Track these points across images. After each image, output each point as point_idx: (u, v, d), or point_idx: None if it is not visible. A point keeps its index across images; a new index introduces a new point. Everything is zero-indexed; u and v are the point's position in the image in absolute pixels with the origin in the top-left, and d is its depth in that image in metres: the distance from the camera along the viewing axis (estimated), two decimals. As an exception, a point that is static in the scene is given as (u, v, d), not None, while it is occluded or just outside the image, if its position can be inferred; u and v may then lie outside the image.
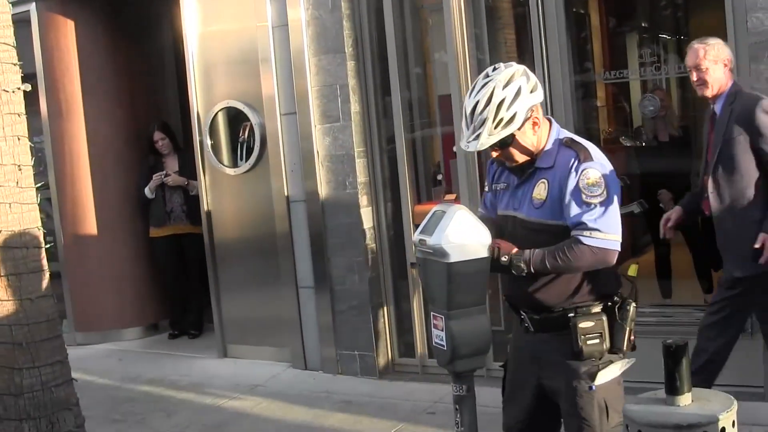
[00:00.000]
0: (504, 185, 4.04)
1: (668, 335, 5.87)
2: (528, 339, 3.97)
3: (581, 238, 3.67)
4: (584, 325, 3.75)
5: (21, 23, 9.05)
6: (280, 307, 7.97)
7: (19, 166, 5.20)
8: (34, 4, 9.20)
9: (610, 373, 3.77)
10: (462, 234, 3.43)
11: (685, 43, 9.77)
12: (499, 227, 4.01)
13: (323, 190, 7.50)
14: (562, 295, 3.82)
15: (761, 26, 5.82)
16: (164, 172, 9.15)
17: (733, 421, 3.07)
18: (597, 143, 8.36)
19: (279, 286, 7.95)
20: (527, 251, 3.74)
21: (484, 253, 3.49)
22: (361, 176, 7.39)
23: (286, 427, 6.70)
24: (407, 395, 7.05)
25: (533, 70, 6.64)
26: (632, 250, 8.54)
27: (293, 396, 7.27)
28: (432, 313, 3.50)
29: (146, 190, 9.20)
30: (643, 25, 9.58)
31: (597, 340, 3.76)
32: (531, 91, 3.73)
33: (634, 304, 3.84)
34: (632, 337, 3.83)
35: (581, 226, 3.68)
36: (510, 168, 3.95)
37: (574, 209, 3.70)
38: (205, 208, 8.46)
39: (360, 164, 7.38)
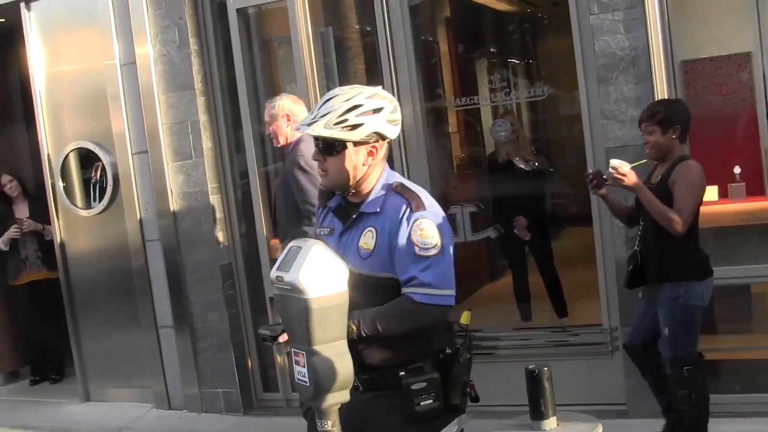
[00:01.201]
0: (328, 230, 3.76)
1: (528, 358, 6.06)
2: (357, 397, 3.56)
3: (413, 296, 3.41)
4: (417, 386, 3.48)
5: None
6: (141, 348, 7.88)
7: None
8: None
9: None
10: (319, 269, 3.39)
11: (535, 67, 10.07)
12: None
13: (179, 227, 7.47)
14: (390, 352, 3.54)
15: (608, 48, 5.98)
16: (19, 223, 8.95)
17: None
18: (451, 169, 8.61)
19: (139, 327, 7.88)
20: (356, 312, 3.44)
21: (342, 288, 3.47)
22: (217, 212, 7.39)
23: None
24: (273, 430, 7.07)
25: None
26: (491, 274, 8.73)
27: (159, 436, 7.20)
28: (293, 349, 3.48)
29: (0, 243, 8.99)
30: (492, 50, 9.74)
31: (431, 401, 3.49)
32: (389, 121, 3.50)
33: (467, 355, 3.61)
34: (468, 390, 3.59)
35: (413, 281, 3.42)
36: (335, 211, 3.70)
37: (406, 264, 3.45)
38: (60, 251, 8.32)
39: (215, 200, 7.38)
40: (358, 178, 3.55)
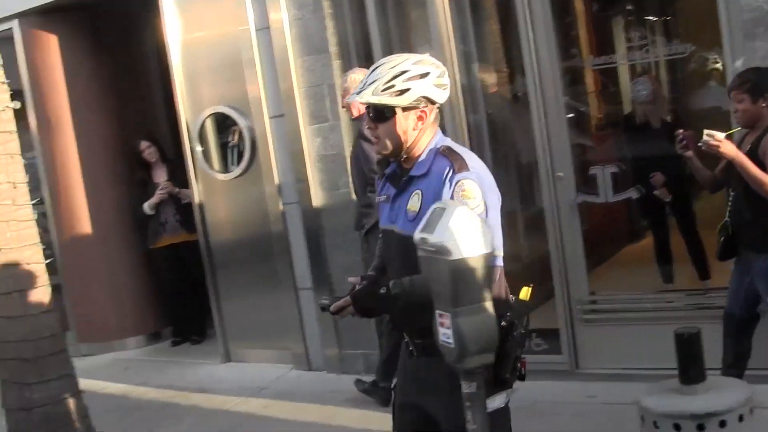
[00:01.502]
0: (384, 197, 3.79)
1: (670, 321, 5.96)
2: (412, 363, 3.76)
3: None
4: None
5: (5, 41, 9.12)
6: (280, 310, 8.00)
7: (13, 183, 5.26)
8: (16, 21, 9.21)
9: (493, 404, 3.55)
10: (463, 230, 3.39)
11: (674, 24, 9.82)
12: (383, 244, 3.89)
13: (316, 191, 7.53)
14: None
15: (754, 2, 5.75)
16: (164, 186, 9.16)
17: (751, 408, 3.06)
18: (589, 129, 8.48)
19: (278, 289, 8.00)
20: (406, 279, 3.46)
21: (487, 249, 3.46)
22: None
23: (295, 428, 6.74)
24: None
25: (521, 58, 6.75)
26: (631, 235, 8.59)
27: (299, 397, 7.30)
28: (437, 311, 3.48)
29: (145, 206, 9.22)
30: (629, 7, 9.55)
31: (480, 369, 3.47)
32: (436, 86, 3.54)
33: (521, 330, 3.53)
34: (519, 366, 3.56)
35: None
36: (389, 177, 3.74)
37: None
38: (199, 215, 8.50)
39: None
40: (409, 143, 3.59)
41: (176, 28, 8.33)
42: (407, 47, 7.70)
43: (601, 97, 8.88)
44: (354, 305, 3.65)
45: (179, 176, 8.97)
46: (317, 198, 7.54)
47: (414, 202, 3.57)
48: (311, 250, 7.69)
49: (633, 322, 6.63)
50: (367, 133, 5.84)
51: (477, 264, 3.40)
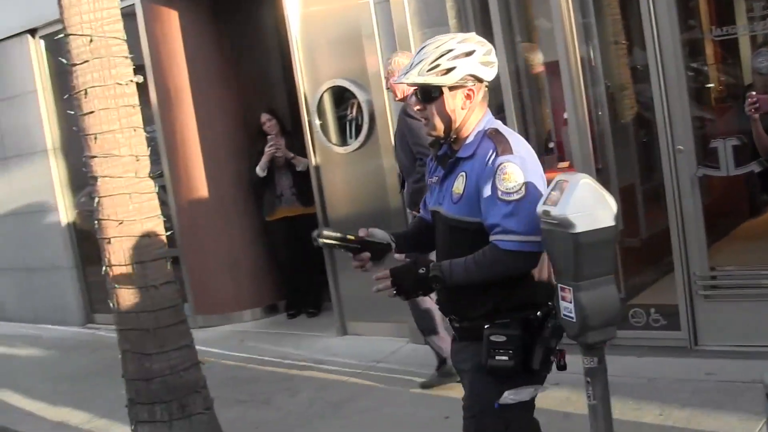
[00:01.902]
0: (435, 179, 3.78)
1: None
2: (454, 347, 3.83)
3: (498, 243, 3.40)
4: (495, 338, 3.47)
5: (127, 16, 9.23)
6: (398, 284, 7.93)
7: (136, 156, 5.32)
8: (139, -4, 9.35)
9: (518, 396, 3.53)
10: (588, 203, 3.31)
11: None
12: (435, 225, 3.84)
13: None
14: (479, 303, 3.55)
15: None
16: (272, 144, 9.21)
17: None
18: (710, 101, 8.26)
19: (395, 262, 7.93)
20: (446, 262, 3.51)
21: (611, 222, 3.37)
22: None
23: (411, 400, 6.72)
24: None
25: (641, 30, 6.59)
26: (752, 209, 8.34)
27: (415, 370, 7.25)
28: (559, 285, 3.42)
29: (257, 169, 9.29)
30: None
31: (506, 357, 3.47)
32: (482, 63, 3.50)
33: (557, 322, 3.49)
34: (553, 358, 3.53)
35: (497, 228, 3.41)
36: (439, 158, 3.72)
37: (489, 208, 3.42)
38: (317, 187, 8.51)
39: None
40: (458, 123, 3.57)
41: (296, 1, 8.32)
42: (526, 19, 7.58)
43: (721, 68, 8.64)
44: (392, 282, 3.56)
45: (297, 149, 9.00)
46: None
47: (459, 185, 3.55)
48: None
49: (753, 299, 6.42)
50: (416, 114, 5.93)
51: (600, 237, 3.34)
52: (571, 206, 3.22)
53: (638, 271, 7.28)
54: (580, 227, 3.23)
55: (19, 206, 11.51)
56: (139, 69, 5.88)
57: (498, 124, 3.60)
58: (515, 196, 3.37)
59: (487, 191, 3.41)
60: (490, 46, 3.55)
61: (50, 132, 10.89)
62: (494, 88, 7.29)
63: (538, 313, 3.53)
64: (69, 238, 11.08)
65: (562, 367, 3.57)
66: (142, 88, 5.64)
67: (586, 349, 3.36)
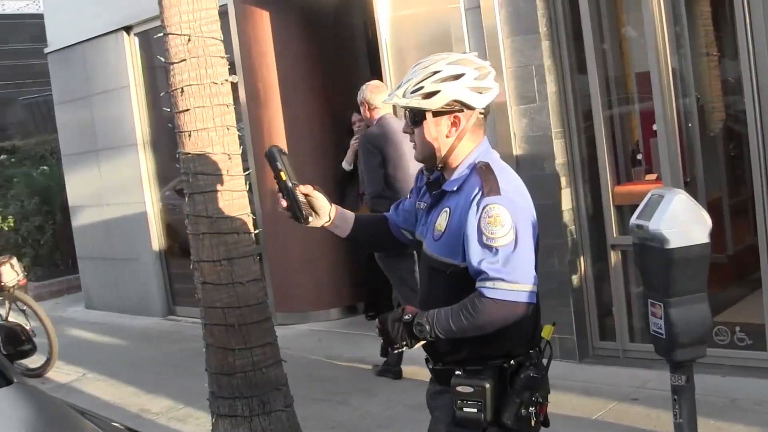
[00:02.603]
0: (423, 206, 3.55)
1: None
2: (429, 388, 3.58)
3: (483, 290, 3.11)
4: (463, 389, 3.24)
5: (220, 16, 9.38)
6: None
7: (228, 155, 5.40)
8: (231, -3, 9.48)
9: None
10: (683, 219, 3.27)
11: None
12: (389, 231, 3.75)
13: (520, 171, 7.39)
14: (452, 347, 3.32)
15: None
16: (357, 137, 9.26)
17: None
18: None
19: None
20: (431, 311, 3.23)
21: (705, 239, 3.30)
22: (559, 157, 7.30)
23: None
24: (608, 379, 6.94)
25: (734, 41, 6.51)
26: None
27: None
28: (649, 300, 3.36)
29: (344, 162, 9.35)
30: None
31: (474, 410, 3.22)
32: (472, 89, 3.24)
33: (531, 374, 3.25)
34: (533, 411, 3.25)
35: (482, 276, 3.12)
36: (430, 184, 3.47)
37: (474, 253, 3.16)
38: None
39: (557, 145, 7.29)
40: (443, 152, 3.33)
41: (386, 4, 8.38)
42: (617, 28, 7.54)
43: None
44: (379, 330, 3.36)
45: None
46: (523, 178, 7.41)
47: (441, 221, 3.34)
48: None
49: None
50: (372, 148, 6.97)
51: (694, 254, 3.28)
52: (666, 222, 3.19)
53: (723, 288, 7.19)
54: (674, 243, 3.20)
55: (107, 197, 11.75)
56: (229, 68, 5.97)
57: (492, 158, 3.35)
58: (502, 242, 3.11)
59: (471, 234, 3.17)
60: (488, 69, 3.31)
61: (141, 127, 11.11)
62: (583, 97, 7.30)
63: (512, 362, 3.28)
64: (154, 231, 11.28)
65: (544, 423, 3.34)
66: (232, 87, 5.72)
67: (674, 367, 3.33)
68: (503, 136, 7.47)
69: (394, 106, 5.80)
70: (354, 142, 9.23)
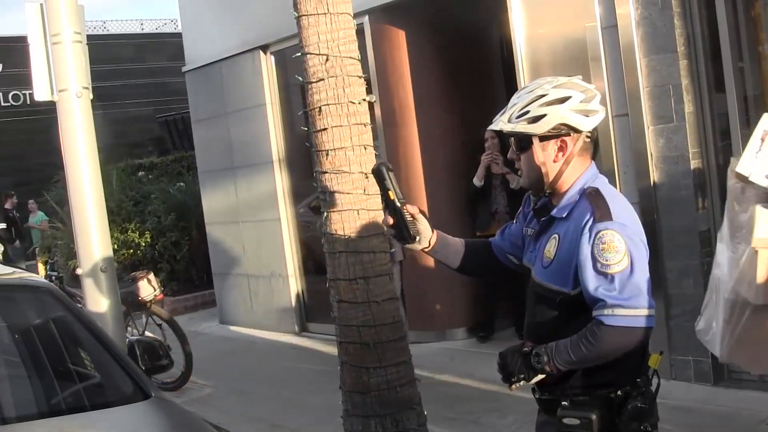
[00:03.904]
0: (531, 232, 3.49)
1: None
2: (538, 418, 3.54)
3: (601, 318, 3.08)
4: (569, 421, 3.21)
5: (356, 35, 9.51)
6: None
7: (365, 174, 5.43)
8: (367, 17, 9.55)
9: None
10: None
11: None
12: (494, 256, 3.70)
13: (657, 192, 7.34)
14: (559, 376, 3.25)
15: None
16: (488, 153, 9.24)
17: None
18: None
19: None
20: (550, 344, 3.18)
21: None
22: (696, 178, 7.17)
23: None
24: (744, 404, 6.80)
25: None
26: None
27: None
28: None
29: (475, 179, 9.34)
30: None
31: None
32: (578, 111, 3.19)
33: (639, 404, 3.20)
34: None
35: (600, 303, 3.09)
36: (538, 210, 3.39)
37: (590, 281, 3.11)
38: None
39: (695, 165, 7.16)
40: (551, 177, 3.26)
41: (521, 23, 8.34)
42: (756, 47, 7.37)
43: None
44: (499, 364, 3.33)
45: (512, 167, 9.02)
46: (658, 199, 7.34)
47: (550, 248, 3.29)
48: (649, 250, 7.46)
49: None
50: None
51: None
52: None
53: None
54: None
55: (243, 214, 11.96)
56: (366, 87, 6.02)
57: (600, 183, 3.29)
58: (617, 268, 3.08)
59: (584, 262, 3.13)
60: (594, 92, 3.27)
61: (276, 144, 11.28)
62: (721, 115, 7.15)
63: (619, 392, 3.23)
64: (288, 248, 11.42)
65: None
66: (368, 106, 5.76)
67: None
68: (639, 156, 7.39)
69: None
70: (485, 158, 9.23)
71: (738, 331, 4.07)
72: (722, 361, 4.67)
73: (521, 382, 3.25)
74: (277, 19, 9.78)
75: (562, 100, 3.19)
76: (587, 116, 3.22)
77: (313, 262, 11.31)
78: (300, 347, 10.81)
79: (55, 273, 11.52)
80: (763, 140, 5.40)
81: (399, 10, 9.59)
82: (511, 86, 8.86)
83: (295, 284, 11.48)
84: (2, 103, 25.50)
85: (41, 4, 6.77)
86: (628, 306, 3.07)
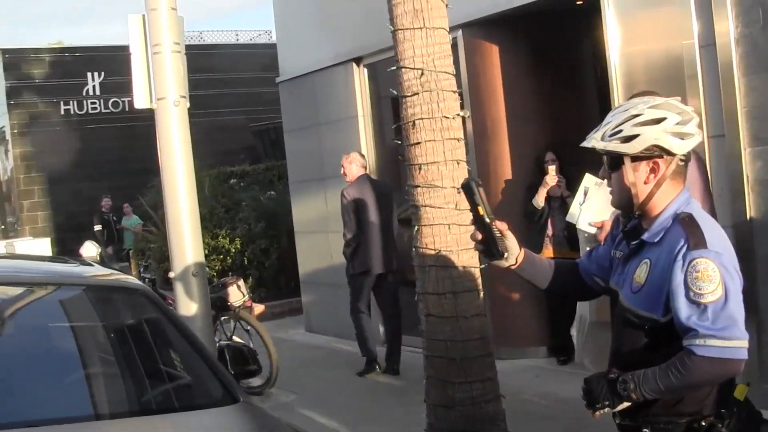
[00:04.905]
0: (619, 254, 3.42)
1: None
2: None
3: (693, 347, 3.00)
4: None
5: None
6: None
7: (457, 189, 5.44)
8: (460, 31, 9.55)
9: None
10: None
11: None
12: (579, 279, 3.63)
13: (753, 215, 7.21)
14: (643, 403, 3.18)
15: None
16: (552, 179, 9.15)
17: None
18: None
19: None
20: (638, 371, 3.13)
21: None
22: (798, 200, 7.03)
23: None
24: None
25: None
26: None
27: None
28: None
29: (536, 199, 9.24)
30: None
31: None
32: (674, 134, 3.13)
33: None
34: None
35: (692, 333, 3.01)
36: (627, 233, 3.35)
37: (682, 309, 3.04)
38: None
39: (791, 188, 7.03)
40: (641, 199, 3.21)
41: (617, 39, 8.27)
42: None
43: None
44: (584, 391, 3.31)
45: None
46: (753, 223, 7.22)
47: (641, 273, 3.23)
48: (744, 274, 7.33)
49: None
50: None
51: None
52: None
53: None
54: None
55: (332, 224, 12.01)
56: (459, 102, 6.03)
57: (693, 208, 3.22)
58: (711, 298, 3.01)
59: (677, 290, 3.06)
60: (691, 115, 3.21)
61: (367, 157, 11.30)
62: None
63: (703, 422, 3.15)
64: (376, 259, 11.44)
65: None
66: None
67: None
68: (735, 179, 7.28)
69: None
70: (550, 180, 9.09)
71: None
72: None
73: (605, 409, 3.23)
74: (371, 32, 9.86)
75: (657, 121, 3.14)
76: (682, 139, 3.17)
77: (399, 274, 11.32)
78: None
79: (148, 275, 11.75)
80: (585, 195, 5.87)
81: (493, 24, 9.57)
82: (604, 104, 8.80)
83: (380, 296, 11.49)
84: (102, 110, 26.07)
85: (143, 16, 6.93)
86: (721, 337, 3.01)
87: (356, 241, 9.86)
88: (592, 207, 6.88)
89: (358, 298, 10.14)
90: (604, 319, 6.54)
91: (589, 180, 6.97)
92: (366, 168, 10.09)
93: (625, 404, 3.19)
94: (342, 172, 10.02)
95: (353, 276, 10.13)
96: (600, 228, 6.18)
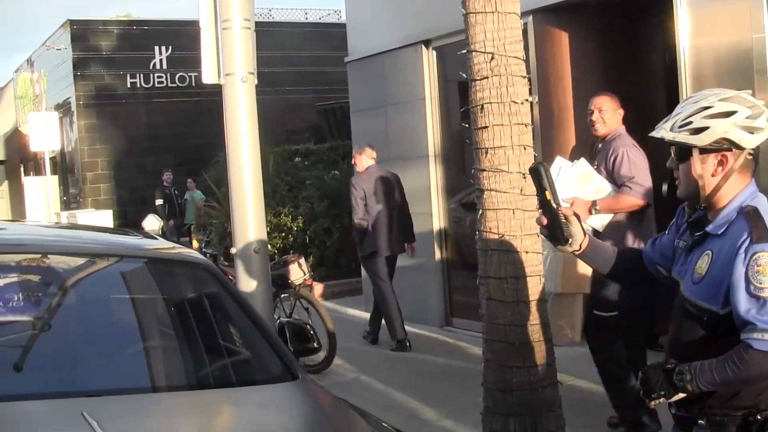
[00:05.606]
0: (682, 244, 3.42)
1: None
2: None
3: (751, 341, 3.00)
4: None
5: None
6: None
7: (523, 174, 5.43)
8: (531, 17, 9.52)
9: None
10: None
11: None
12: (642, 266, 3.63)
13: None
14: (699, 395, 3.18)
15: None
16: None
17: None
18: None
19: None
20: (694, 363, 3.13)
21: None
22: None
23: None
24: None
25: None
26: None
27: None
28: None
29: None
30: None
31: None
32: (743, 127, 3.12)
33: None
34: None
35: (750, 327, 3.01)
36: (689, 224, 3.36)
37: (742, 302, 3.03)
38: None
39: None
40: (708, 191, 3.19)
41: (687, 31, 8.22)
42: None
43: None
44: (640, 380, 3.31)
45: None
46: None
47: (702, 264, 3.22)
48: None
49: None
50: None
51: None
52: None
53: None
54: None
55: (396, 206, 12.06)
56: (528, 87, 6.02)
57: (760, 202, 3.20)
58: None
59: (737, 282, 3.06)
60: (762, 110, 3.18)
61: (433, 139, 11.34)
62: None
63: (758, 416, 3.15)
64: (439, 242, 11.48)
65: None
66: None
67: None
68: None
69: None
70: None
71: None
72: None
73: (661, 399, 3.24)
74: (440, 14, 9.85)
75: (727, 114, 3.15)
76: (752, 133, 3.17)
77: (460, 258, 11.35)
78: (443, 341, 10.87)
79: (209, 251, 11.85)
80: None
81: (563, 11, 9.53)
82: (672, 94, 8.73)
83: (441, 278, 11.53)
84: (169, 84, 26.24)
85: (214, -8, 6.94)
86: None
87: (362, 225, 10.51)
88: (562, 184, 6.84)
89: (376, 274, 10.82)
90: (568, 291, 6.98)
91: (559, 161, 7.22)
92: (375, 159, 10.73)
93: (681, 395, 3.19)
94: (353, 161, 10.94)
95: (363, 258, 10.87)
96: (572, 204, 6.20)
